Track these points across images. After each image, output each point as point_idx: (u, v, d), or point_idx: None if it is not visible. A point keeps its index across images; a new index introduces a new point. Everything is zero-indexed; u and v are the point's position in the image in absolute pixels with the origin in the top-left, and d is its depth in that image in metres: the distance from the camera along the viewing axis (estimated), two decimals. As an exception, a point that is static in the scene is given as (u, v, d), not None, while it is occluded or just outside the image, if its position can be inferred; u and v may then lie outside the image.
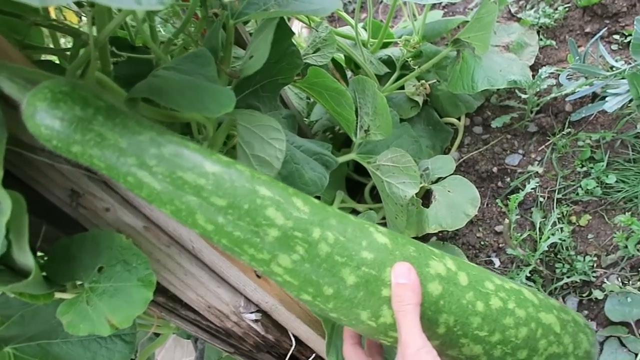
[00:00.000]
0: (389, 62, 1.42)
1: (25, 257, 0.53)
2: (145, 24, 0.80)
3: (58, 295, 0.64)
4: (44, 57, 0.84)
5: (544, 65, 1.28)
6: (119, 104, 0.50)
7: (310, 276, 0.54)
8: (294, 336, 0.87)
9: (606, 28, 1.36)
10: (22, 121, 0.46)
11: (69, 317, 0.62)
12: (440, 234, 1.22)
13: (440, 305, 0.59)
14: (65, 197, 0.63)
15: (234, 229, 0.51)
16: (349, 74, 1.52)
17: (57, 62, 0.84)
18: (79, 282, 0.64)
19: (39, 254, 0.65)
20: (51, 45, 0.80)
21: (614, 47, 1.34)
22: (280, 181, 0.83)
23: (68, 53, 0.78)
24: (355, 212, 1.24)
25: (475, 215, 1.17)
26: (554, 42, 1.44)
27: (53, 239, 0.64)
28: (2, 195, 0.46)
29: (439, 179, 1.17)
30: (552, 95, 1.25)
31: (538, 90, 1.22)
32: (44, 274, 0.63)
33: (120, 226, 0.66)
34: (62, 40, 0.96)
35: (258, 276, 0.77)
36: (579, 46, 1.37)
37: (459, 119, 1.43)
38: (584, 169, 1.14)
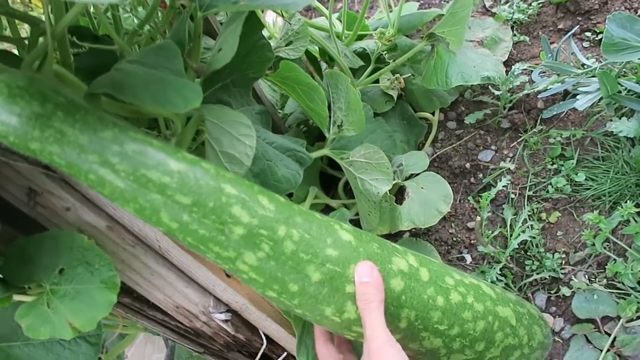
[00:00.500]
0: (363, 55, 1.40)
1: (-23, 261, 0.50)
2: (107, 13, 0.77)
3: (17, 297, 0.62)
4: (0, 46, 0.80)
5: (518, 62, 1.29)
6: (79, 99, 0.48)
7: (276, 273, 0.55)
8: (265, 335, 0.86)
9: (578, 25, 1.37)
10: None
11: (29, 320, 0.60)
12: (413, 230, 1.23)
13: (402, 300, 0.61)
14: (22, 196, 0.60)
15: (199, 227, 0.51)
16: (323, 66, 1.50)
17: (17, 52, 0.81)
18: (38, 285, 0.61)
19: (-4, 255, 0.62)
20: (8, 34, 0.76)
21: (586, 44, 1.35)
22: (251, 178, 0.83)
23: (26, 42, 0.74)
24: (328, 207, 1.23)
25: (448, 212, 1.17)
26: (527, 38, 1.45)
27: (10, 240, 0.62)
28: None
29: (412, 175, 1.17)
30: (525, 91, 1.26)
31: (511, 86, 1.23)
32: (1, 276, 0.60)
33: (81, 226, 0.64)
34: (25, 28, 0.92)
35: (228, 275, 0.75)
36: (551, 42, 1.38)
37: (433, 113, 1.43)
38: (555, 166, 1.15)
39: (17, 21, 0.75)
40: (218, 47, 0.75)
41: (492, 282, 1.04)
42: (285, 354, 0.92)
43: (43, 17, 0.72)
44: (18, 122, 0.43)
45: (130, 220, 0.67)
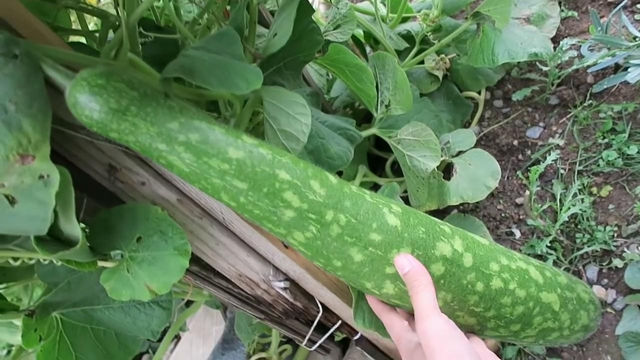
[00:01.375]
0: (408, 37, 1.42)
1: (72, 227, 0.57)
2: (170, 4, 0.83)
3: (101, 263, 0.69)
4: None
5: (566, 37, 1.27)
6: (150, 87, 0.53)
7: (322, 251, 0.61)
8: (321, 303, 0.91)
9: (630, -3, 1.34)
10: (63, 102, 0.50)
11: (112, 283, 0.67)
12: (461, 207, 1.24)
13: (441, 284, 0.64)
14: (103, 172, 0.67)
15: (254, 208, 0.57)
16: (368, 50, 1.53)
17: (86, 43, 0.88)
18: (119, 252, 0.68)
19: (81, 225, 0.69)
20: (79, 28, 0.83)
21: (638, 17, 1.32)
22: (306, 155, 0.87)
23: (97, 35, 0.81)
24: (376, 186, 1.26)
25: (496, 188, 1.19)
26: (575, 13, 1.42)
27: (93, 212, 0.68)
28: (50, 168, 0.50)
29: (459, 153, 1.18)
30: (574, 67, 1.24)
31: (559, 62, 1.22)
32: (87, 244, 0.67)
33: (155, 199, 0.70)
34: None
35: (285, 246, 0.80)
36: (601, 17, 1.36)
37: (479, 92, 1.43)
38: (605, 140, 1.14)
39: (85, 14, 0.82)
40: (273, 33, 0.80)
41: (541, 255, 1.05)
42: (340, 322, 0.97)
43: (111, 11, 0.79)
44: (98, 116, 0.50)
45: (197, 194, 0.72)
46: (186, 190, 0.72)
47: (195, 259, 0.78)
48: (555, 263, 1.01)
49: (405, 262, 0.60)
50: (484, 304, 0.68)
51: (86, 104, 0.49)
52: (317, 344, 1.03)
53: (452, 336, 0.55)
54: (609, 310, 0.94)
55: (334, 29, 1.07)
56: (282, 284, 0.82)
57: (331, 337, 1.07)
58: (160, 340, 1.06)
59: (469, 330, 0.72)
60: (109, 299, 0.75)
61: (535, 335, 0.77)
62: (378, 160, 1.41)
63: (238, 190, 0.56)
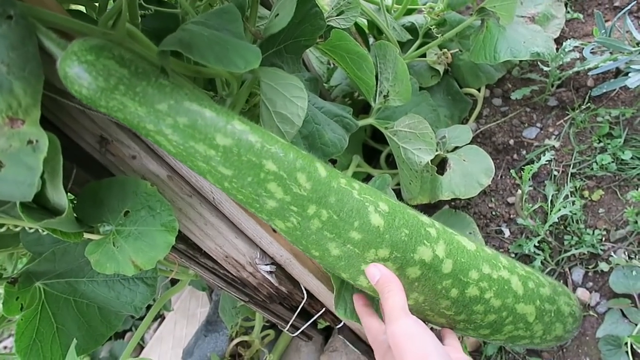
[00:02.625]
0: (412, 29, 1.41)
1: (59, 196, 0.56)
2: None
3: (87, 235, 0.68)
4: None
5: (569, 39, 1.27)
6: (143, 64, 0.52)
7: (301, 240, 0.62)
8: (306, 290, 0.91)
9: (635, 2, 1.33)
10: (57, 69, 0.49)
11: (97, 256, 0.66)
12: (452, 202, 1.24)
13: (415, 286, 0.65)
14: (94, 143, 0.66)
15: (237, 193, 0.58)
16: (370, 40, 1.52)
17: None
18: (106, 225, 0.67)
19: (69, 196, 0.68)
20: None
21: (643, 22, 1.32)
22: (300, 140, 0.87)
23: (96, 4, 0.80)
24: (370, 177, 1.26)
25: (489, 186, 1.19)
26: (581, 15, 1.42)
27: (82, 183, 0.68)
28: (40, 134, 0.49)
29: (455, 148, 1.18)
30: (575, 69, 1.24)
31: (561, 63, 1.22)
32: (74, 215, 0.66)
33: (145, 174, 0.69)
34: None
35: (274, 230, 0.80)
36: (606, 20, 1.35)
37: (479, 89, 1.43)
38: (601, 144, 1.14)
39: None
40: (275, 13, 0.79)
41: (528, 255, 1.06)
42: (324, 309, 0.97)
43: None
44: (87, 92, 0.49)
45: (188, 172, 0.72)
46: (177, 167, 0.71)
47: (182, 237, 0.78)
48: (542, 264, 1.01)
49: (375, 272, 0.61)
50: (456, 308, 0.69)
51: (75, 79, 0.48)
52: (300, 330, 1.03)
53: (421, 336, 0.56)
54: (591, 313, 0.95)
55: (337, 15, 1.06)
56: (268, 268, 0.82)
57: (314, 324, 1.07)
58: (143, 318, 1.05)
59: (438, 324, 0.73)
60: (93, 272, 0.75)
61: (504, 340, 0.78)
62: (373, 151, 1.40)
63: (223, 175, 0.56)
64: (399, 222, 0.63)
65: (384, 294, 0.60)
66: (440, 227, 0.70)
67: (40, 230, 0.62)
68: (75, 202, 0.68)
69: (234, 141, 0.54)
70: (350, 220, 0.60)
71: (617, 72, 1.21)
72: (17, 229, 0.65)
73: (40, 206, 0.60)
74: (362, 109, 1.42)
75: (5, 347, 1.97)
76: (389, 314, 0.59)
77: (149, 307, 1.14)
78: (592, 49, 1.22)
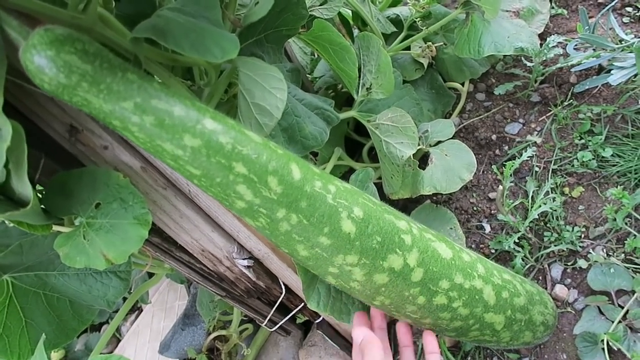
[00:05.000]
0: (396, 21, 1.40)
1: (23, 187, 0.54)
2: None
3: (56, 228, 0.66)
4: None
5: (553, 35, 1.26)
6: (108, 58, 0.49)
7: (270, 238, 0.62)
8: (284, 284, 0.90)
9: None
10: None
11: (66, 249, 0.64)
12: (434, 197, 1.24)
13: (382, 291, 0.65)
14: (64, 132, 0.63)
15: (207, 190, 0.57)
16: (355, 31, 1.50)
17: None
18: (76, 217, 0.65)
19: (38, 187, 0.66)
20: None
21: (626, 19, 1.32)
22: (280, 133, 0.85)
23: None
24: (352, 170, 1.24)
25: (470, 181, 1.18)
26: (565, 11, 1.42)
27: (51, 173, 0.65)
28: (3, 121, 0.47)
29: (437, 143, 1.17)
30: (558, 65, 1.24)
31: (544, 59, 1.21)
32: (42, 206, 0.64)
33: (117, 165, 0.67)
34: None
35: (251, 224, 0.78)
36: (590, 17, 1.35)
37: (462, 84, 1.42)
38: (582, 141, 1.15)
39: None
40: (255, 1, 0.77)
41: (508, 251, 1.06)
42: (303, 304, 0.96)
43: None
44: (49, 88, 0.46)
45: (162, 163, 0.69)
46: (151, 158, 0.69)
47: (156, 231, 0.76)
48: (522, 260, 1.01)
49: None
50: (422, 313, 0.69)
51: (36, 73, 0.45)
52: (278, 325, 1.02)
53: None
54: (569, 309, 0.95)
55: (320, 5, 1.04)
56: (245, 262, 0.80)
57: (293, 319, 1.06)
58: (117, 311, 1.03)
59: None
60: (64, 265, 0.72)
61: (470, 341, 0.79)
62: (356, 145, 1.39)
63: (191, 174, 0.55)
64: (372, 229, 0.63)
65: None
66: (418, 233, 0.69)
67: (6, 222, 0.60)
68: (43, 192, 0.65)
69: (203, 142, 0.52)
70: (321, 225, 0.59)
71: (600, 69, 1.22)
72: (-18, 221, 0.62)
73: (5, 197, 0.58)
74: (346, 101, 1.41)
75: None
76: None
77: (125, 300, 1.12)
78: (576, 45, 1.22)
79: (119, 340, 1.63)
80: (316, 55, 1.51)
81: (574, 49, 1.21)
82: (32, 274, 0.74)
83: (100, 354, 0.81)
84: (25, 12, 0.52)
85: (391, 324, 0.98)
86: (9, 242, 0.71)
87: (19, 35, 0.47)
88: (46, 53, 0.45)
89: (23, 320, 0.73)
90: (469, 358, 0.99)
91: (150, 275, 1.17)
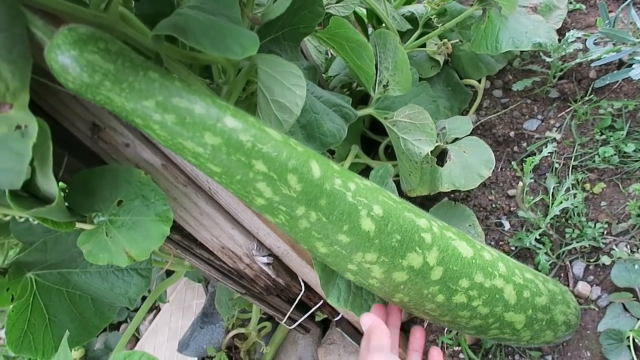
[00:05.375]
0: (412, 19, 1.39)
1: (48, 184, 0.55)
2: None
3: (79, 225, 0.66)
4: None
5: (572, 30, 1.25)
6: (130, 57, 0.50)
7: (290, 234, 0.62)
8: (304, 282, 0.90)
9: (640, -7, 1.31)
10: None
11: (89, 246, 0.65)
12: (452, 195, 1.23)
13: (400, 288, 0.65)
14: (86, 130, 0.64)
15: (228, 187, 0.57)
16: (370, 30, 1.49)
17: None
18: (98, 214, 0.66)
19: (61, 184, 0.67)
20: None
21: (646, 13, 1.29)
22: (298, 130, 0.85)
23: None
24: (369, 168, 1.24)
25: (489, 178, 1.17)
26: (583, 6, 1.40)
27: (74, 171, 0.66)
28: (29, 119, 0.47)
29: (455, 140, 1.16)
30: (577, 60, 1.22)
31: (563, 54, 1.20)
32: (66, 204, 0.65)
33: (139, 162, 0.68)
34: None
35: (270, 220, 0.78)
36: (609, 11, 1.33)
37: (479, 81, 1.41)
38: (603, 137, 1.13)
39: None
40: (273, -2, 0.77)
41: (529, 249, 1.04)
42: (322, 302, 0.96)
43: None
44: (73, 86, 0.47)
45: (183, 161, 0.70)
46: (172, 155, 0.69)
47: (177, 228, 0.76)
48: (545, 256, 1.00)
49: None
50: (441, 311, 0.69)
51: (60, 72, 0.46)
52: (297, 323, 1.02)
53: None
54: (592, 307, 0.94)
55: (337, 2, 1.04)
56: (265, 260, 0.80)
57: (312, 316, 1.06)
58: (138, 309, 1.04)
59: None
60: (86, 262, 0.73)
61: (489, 339, 0.80)
62: (372, 143, 1.39)
63: (212, 171, 0.55)
64: (392, 228, 0.62)
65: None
66: (439, 231, 0.68)
67: (30, 220, 0.61)
68: (66, 190, 0.66)
69: (223, 140, 0.53)
70: (340, 223, 0.59)
71: (620, 64, 1.20)
72: (7, 218, 0.63)
73: (30, 194, 0.59)
74: (361, 99, 1.40)
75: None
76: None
77: (144, 299, 1.12)
78: (595, 40, 1.21)
79: (137, 339, 1.64)
80: (330, 54, 1.51)
81: (594, 43, 1.19)
82: (55, 271, 0.74)
83: (122, 351, 0.81)
84: (50, 12, 0.53)
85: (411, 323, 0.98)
86: (33, 240, 0.72)
87: (44, 34, 0.48)
88: (70, 53, 0.46)
89: (47, 318, 0.74)
90: (490, 356, 0.98)
91: (169, 274, 1.18)
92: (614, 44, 1.17)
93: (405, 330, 1.14)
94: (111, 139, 0.65)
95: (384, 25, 1.26)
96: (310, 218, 0.58)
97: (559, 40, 1.20)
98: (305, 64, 0.99)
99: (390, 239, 0.62)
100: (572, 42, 1.17)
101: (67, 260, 0.75)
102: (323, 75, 1.42)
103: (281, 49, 0.88)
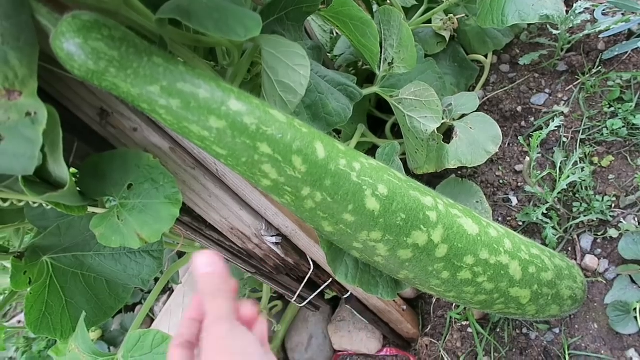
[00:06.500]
0: (417, -6, 1.37)
1: (60, 169, 0.56)
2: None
3: (91, 209, 0.68)
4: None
5: (579, 0, 1.23)
6: (134, 42, 0.50)
7: (296, 214, 0.63)
8: (313, 261, 0.91)
9: (649, -38, 1.28)
10: None
11: (102, 229, 0.66)
12: (459, 171, 1.23)
13: (405, 265, 0.66)
14: (95, 116, 0.65)
15: (234, 169, 0.58)
16: (374, 7, 1.48)
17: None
18: (110, 198, 0.67)
19: (72, 170, 0.68)
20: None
21: (656, -18, 1.27)
22: (304, 110, 0.85)
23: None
24: (375, 147, 1.24)
25: (496, 154, 1.17)
26: (591, -23, 1.37)
27: (84, 156, 0.67)
28: (38, 105, 0.48)
29: (461, 116, 1.16)
30: (585, 32, 1.21)
31: (571, 26, 1.18)
32: (77, 189, 0.66)
33: (147, 146, 0.68)
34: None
35: (278, 200, 0.79)
36: (618, -19, 1.31)
37: (486, 56, 1.39)
38: (612, 109, 1.12)
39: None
40: (275, -23, 0.76)
41: (536, 223, 1.05)
42: (331, 280, 0.97)
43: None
44: (79, 73, 0.48)
45: (190, 144, 0.71)
46: (179, 139, 0.70)
47: (187, 210, 0.77)
48: (552, 230, 1.00)
49: (206, 261, 0.47)
50: (446, 287, 0.70)
51: (66, 60, 0.47)
52: (307, 301, 1.03)
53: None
54: (599, 279, 0.94)
55: (340, -20, 1.02)
56: (274, 239, 0.81)
57: (321, 294, 1.07)
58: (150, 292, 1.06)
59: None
60: (99, 245, 0.75)
61: (495, 313, 0.81)
62: (378, 122, 1.38)
63: (218, 154, 0.56)
64: (397, 207, 0.63)
65: (215, 294, 0.46)
66: (444, 209, 0.69)
67: (44, 205, 0.62)
68: (77, 175, 0.67)
69: (228, 124, 0.53)
70: (345, 203, 0.60)
71: (630, 34, 1.18)
72: (21, 204, 0.65)
73: (42, 180, 0.60)
74: (367, 79, 1.40)
75: (19, 322, 2.01)
76: (214, 314, 0.46)
77: (157, 280, 1.15)
78: (604, 10, 1.19)
79: (152, 320, 1.68)
80: (335, 33, 1.50)
81: (602, 14, 1.18)
82: (69, 254, 0.76)
83: (137, 331, 0.83)
84: (53, -2, 0.53)
85: (419, 299, 0.99)
86: (47, 225, 0.74)
87: (49, 22, 0.48)
88: (75, 40, 0.46)
89: (63, 300, 0.76)
90: (498, 329, 0.99)
91: (180, 255, 1.20)
92: (622, 14, 1.15)
93: (413, 306, 1.16)
94: (119, 123, 0.66)
95: (388, 1, 1.25)
96: (316, 198, 0.59)
97: (567, 12, 1.18)
98: (310, 44, 0.98)
99: (395, 218, 0.63)
100: (580, 13, 1.15)
101: (80, 243, 0.76)
102: (328, 54, 1.41)
103: (285, 29, 0.87)
